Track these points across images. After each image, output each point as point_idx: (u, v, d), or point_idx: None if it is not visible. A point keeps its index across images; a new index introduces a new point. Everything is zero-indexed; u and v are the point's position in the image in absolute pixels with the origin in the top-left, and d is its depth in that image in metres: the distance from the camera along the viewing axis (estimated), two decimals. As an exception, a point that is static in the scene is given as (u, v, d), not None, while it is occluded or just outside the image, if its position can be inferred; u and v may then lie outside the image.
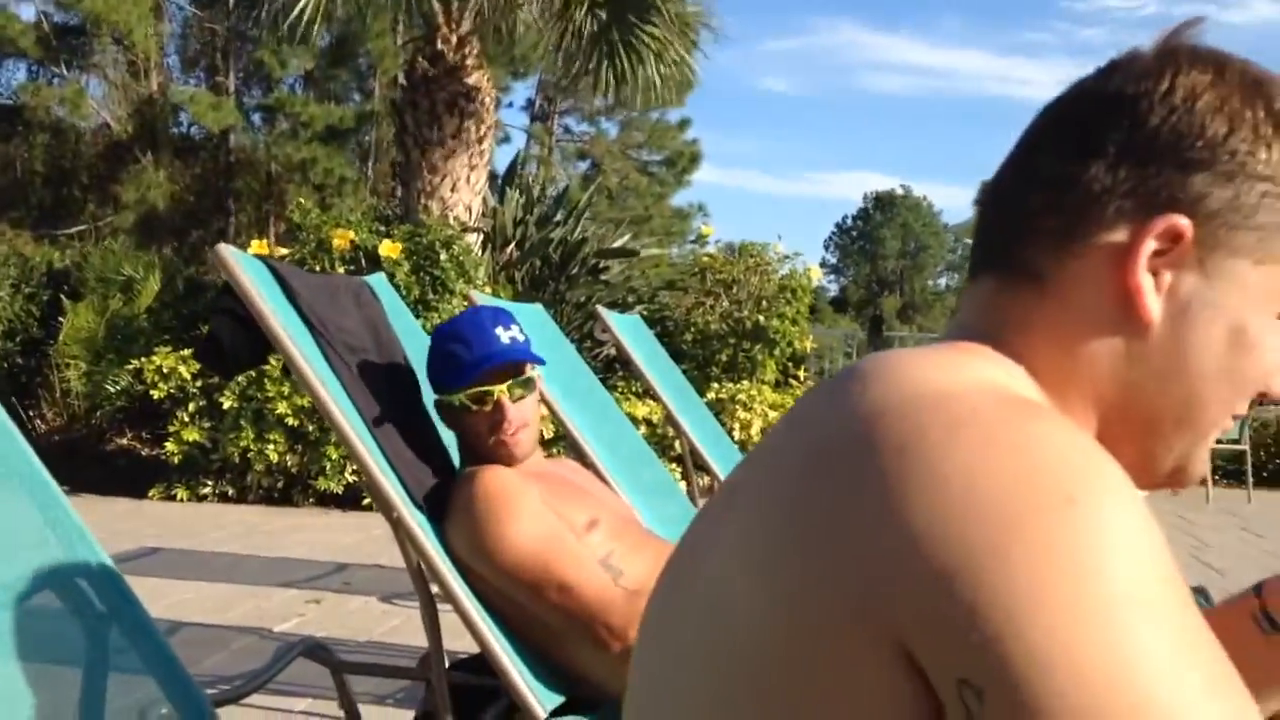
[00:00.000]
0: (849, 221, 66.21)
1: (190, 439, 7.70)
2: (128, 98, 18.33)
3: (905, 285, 61.98)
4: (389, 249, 7.43)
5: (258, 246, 7.71)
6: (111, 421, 9.01)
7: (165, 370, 7.82)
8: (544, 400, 2.67)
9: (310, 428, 7.39)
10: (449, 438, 2.34)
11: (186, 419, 7.75)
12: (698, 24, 10.05)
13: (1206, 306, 0.75)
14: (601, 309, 4.59)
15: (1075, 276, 0.75)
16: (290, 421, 7.38)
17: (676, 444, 5.61)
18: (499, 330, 2.18)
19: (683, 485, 4.98)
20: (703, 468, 4.19)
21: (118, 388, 8.47)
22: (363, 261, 7.56)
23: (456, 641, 2.19)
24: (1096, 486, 0.60)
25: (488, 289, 8.02)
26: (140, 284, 9.20)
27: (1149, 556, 0.58)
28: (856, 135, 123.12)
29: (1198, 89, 0.75)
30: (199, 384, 7.79)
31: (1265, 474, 10.11)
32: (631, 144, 24.08)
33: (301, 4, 8.52)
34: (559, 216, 9.69)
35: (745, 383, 8.70)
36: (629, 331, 4.55)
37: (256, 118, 19.27)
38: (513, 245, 9.40)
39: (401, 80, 10.23)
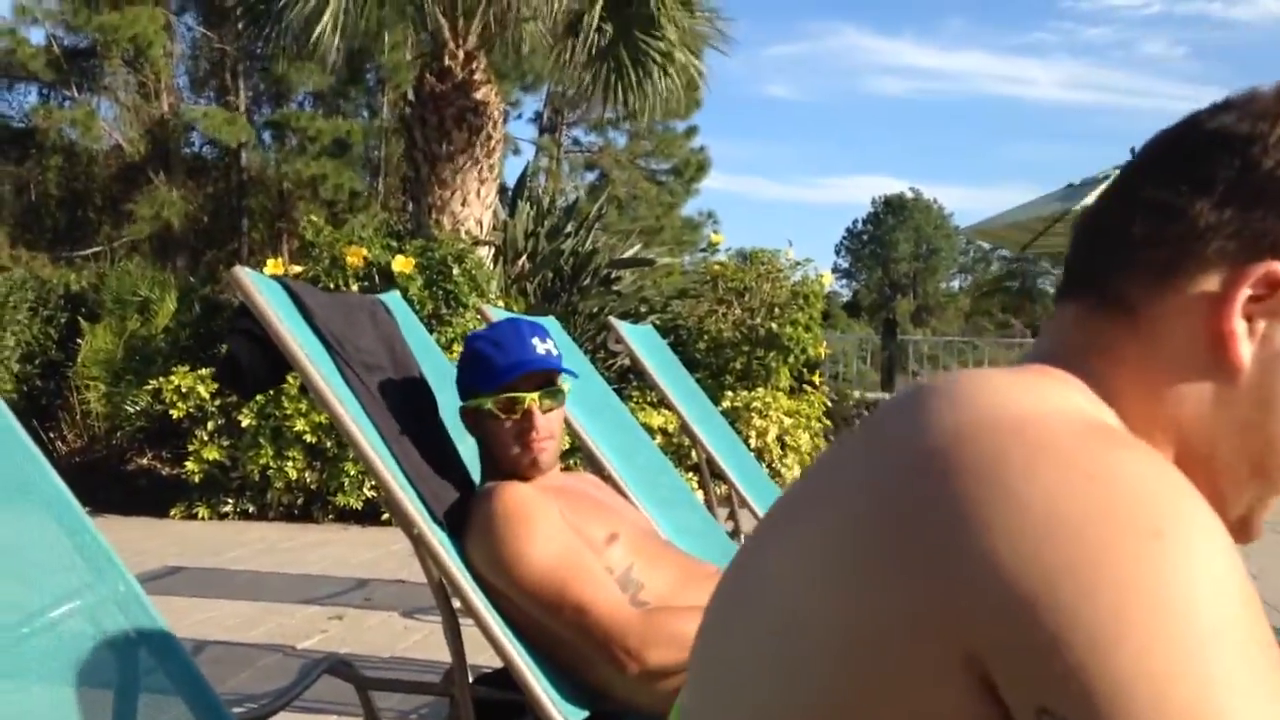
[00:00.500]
0: (859, 226, 66.18)
1: (210, 457, 7.73)
2: (139, 119, 18.47)
3: (918, 288, 61.83)
4: (402, 264, 7.46)
5: (273, 266, 7.76)
6: (132, 442, 9.05)
7: (184, 390, 7.86)
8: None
9: (328, 444, 7.41)
10: (468, 453, 2.36)
11: (206, 438, 7.79)
12: (710, 31, 10.07)
13: None
14: (614, 319, 4.60)
15: (1169, 313, 0.74)
16: (308, 438, 7.41)
17: (693, 453, 5.61)
18: (535, 340, 2.20)
19: (700, 494, 4.99)
20: (719, 476, 4.20)
21: (137, 408, 8.51)
22: (376, 278, 7.59)
23: (479, 656, 2.20)
24: (1185, 520, 0.59)
25: (500, 302, 8.05)
26: (157, 304, 9.25)
27: (1235, 594, 0.58)
28: (863, 139, 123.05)
29: None
30: (217, 403, 7.82)
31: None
32: (639, 153, 24.11)
33: (321, 23, 8.59)
34: (569, 228, 9.71)
35: (760, 390, 8.70)
36: (642, 341, 4.56)
37: (266, 136, 19.39)
38: (524, 258, 9.42)
39: (410, 96, 10.28)
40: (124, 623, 1.59)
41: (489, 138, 9.59)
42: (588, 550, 2.04)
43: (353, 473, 7.40)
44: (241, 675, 4.09)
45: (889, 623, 0.62)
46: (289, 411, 7.43)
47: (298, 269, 8.02)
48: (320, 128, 17.76)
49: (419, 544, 2.02)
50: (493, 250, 9.25)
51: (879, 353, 16.65)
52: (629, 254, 10.37)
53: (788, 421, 8.45)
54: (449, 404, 2.37)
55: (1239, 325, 0.73)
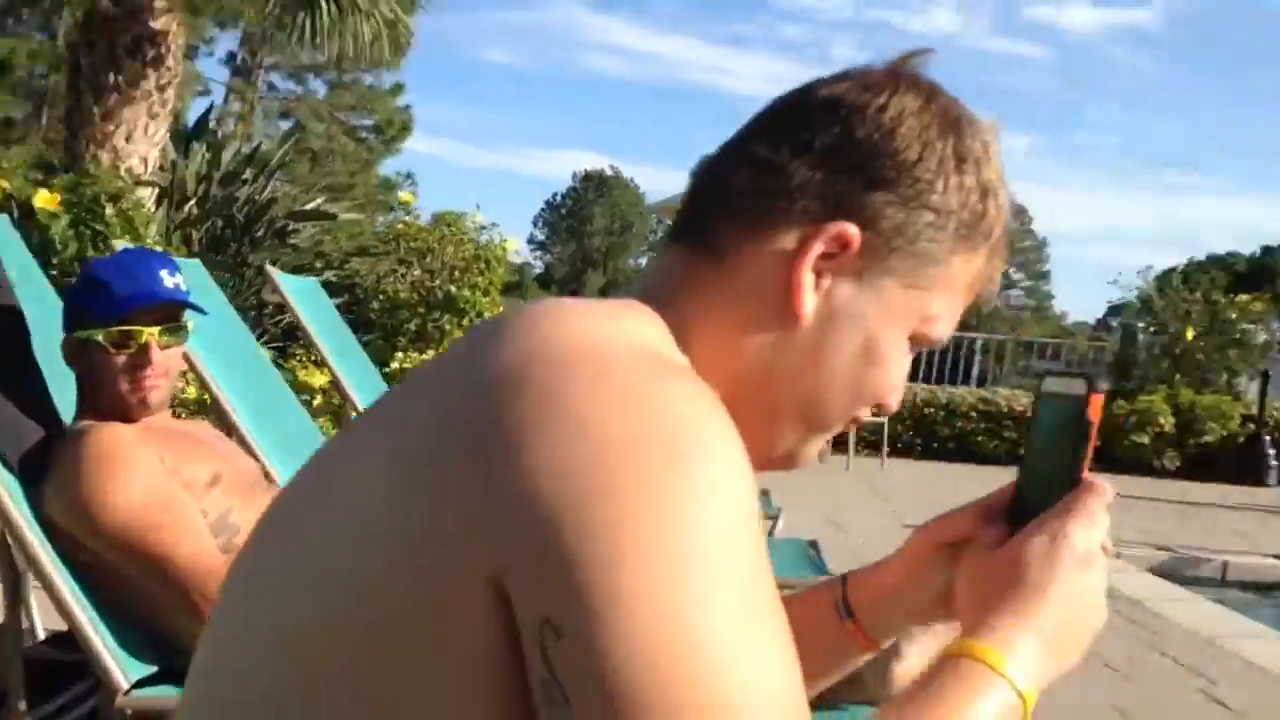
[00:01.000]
0: (558, 199, 66.96)
1: None
2: None
3: (609, 263, 63.27)
4: (45, 200, 6.86)
5: None
6: None
7: None
8: (186, 357, 2.57)
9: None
10: (59, 390, 2.22)
11: None
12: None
13: (853, 316, 0.80)
14: (271, 269, 4.43)
15: (753, 260, 0.80)
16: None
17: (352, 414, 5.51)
18: (164, 273, 2.09)
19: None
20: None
21: None
22: (15, 212, 6.96)
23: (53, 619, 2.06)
24: (711, 449, 0.63)
25: (159, 247, 7.59)
26: None
27: (743, 525, 0.62)
28: (575, 113, 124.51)
29: (905, 112, 0.80)
30: None
31: (899, 444, 11.11)
32: (341, 106, 23.38)
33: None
34: (247, 175, 9.27)
35: (432, 352, 8.64)
36: (302, 295, 4.42)
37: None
38: (193, 203, 8.92)
39: (80, 18, 9.49)
40: None
41: (168, 70, 9.00)
42: (184, 494, 1.98)
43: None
44: None
45: (435, 536, 0.63)
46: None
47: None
48: (-25, 43, 16.10)
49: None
50: (156, 192, 8.69)
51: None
52: (310, 206, 10.02)
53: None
54: (50, 338, 2.21)
55: (807, 277, 0.79)
